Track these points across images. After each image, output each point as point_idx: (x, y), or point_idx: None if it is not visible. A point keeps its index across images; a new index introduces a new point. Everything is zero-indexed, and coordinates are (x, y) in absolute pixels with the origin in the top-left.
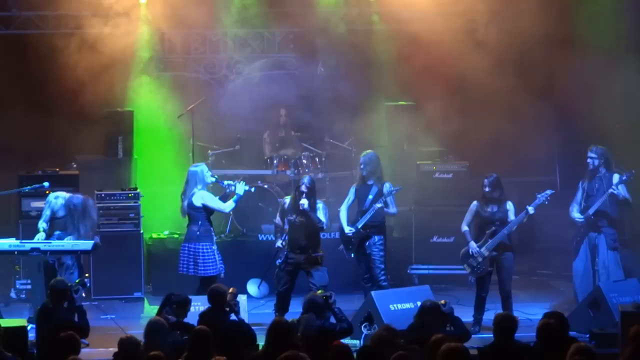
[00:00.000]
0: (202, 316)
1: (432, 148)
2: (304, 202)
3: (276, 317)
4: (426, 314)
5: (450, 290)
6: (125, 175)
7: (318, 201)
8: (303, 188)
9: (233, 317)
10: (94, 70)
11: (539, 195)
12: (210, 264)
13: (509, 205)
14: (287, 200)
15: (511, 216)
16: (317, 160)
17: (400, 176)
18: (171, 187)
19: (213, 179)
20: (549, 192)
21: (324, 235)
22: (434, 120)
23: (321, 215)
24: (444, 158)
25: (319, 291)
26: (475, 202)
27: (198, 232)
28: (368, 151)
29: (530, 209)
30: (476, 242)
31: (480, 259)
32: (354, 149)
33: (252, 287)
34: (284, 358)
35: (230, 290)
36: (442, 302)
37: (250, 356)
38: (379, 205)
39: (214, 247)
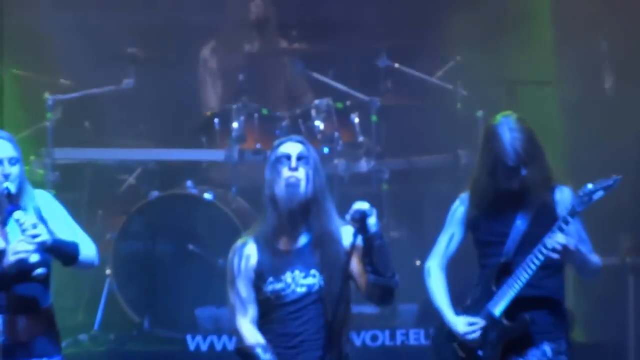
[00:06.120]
0: None
1: None
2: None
3: None
4: None
5: None
6: None
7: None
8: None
9: None
10: None
11: None
12: None
13: None
14: (250, 244)
15: None
16: (355, 122)
17: (597, 157)
18: None
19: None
20: None
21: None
22: None
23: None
24: None
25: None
26: None
27: None
28: (509, 113)
29: None
30: None
31: None
32: (463, 91)
33: None
34: None
35: None
36: None
37: None
38: (557, 242)
39: None
